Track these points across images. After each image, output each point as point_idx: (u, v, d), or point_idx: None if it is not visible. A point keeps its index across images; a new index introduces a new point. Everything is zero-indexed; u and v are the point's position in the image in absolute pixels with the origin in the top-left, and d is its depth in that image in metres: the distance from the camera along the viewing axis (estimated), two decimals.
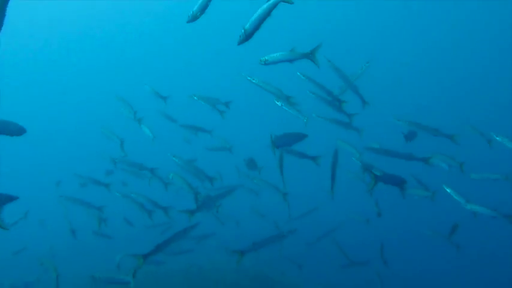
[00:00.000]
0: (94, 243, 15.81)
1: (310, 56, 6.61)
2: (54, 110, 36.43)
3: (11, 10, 3.83)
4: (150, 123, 10.79)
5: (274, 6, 5.55)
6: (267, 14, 5.54)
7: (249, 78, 7.72)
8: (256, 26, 5.70)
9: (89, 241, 15.89)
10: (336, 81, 8.49)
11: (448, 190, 8.76)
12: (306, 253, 13.28)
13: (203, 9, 6.09)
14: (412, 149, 8.07)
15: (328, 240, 11.98)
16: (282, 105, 8.32)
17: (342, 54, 14.12)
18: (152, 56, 38.58)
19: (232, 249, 7.72)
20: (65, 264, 12.18)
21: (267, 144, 7.87)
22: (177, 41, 37.37)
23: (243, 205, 13.23)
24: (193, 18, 6.13)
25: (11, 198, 4.79)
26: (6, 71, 36.57)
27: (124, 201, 9.92)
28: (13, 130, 5.33)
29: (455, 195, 8.57)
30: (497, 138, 7.97)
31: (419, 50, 33.14)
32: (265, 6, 5.52)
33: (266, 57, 6.96)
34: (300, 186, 15.57)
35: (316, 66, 6.51)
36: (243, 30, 5.74)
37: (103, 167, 13.22)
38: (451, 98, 31.16)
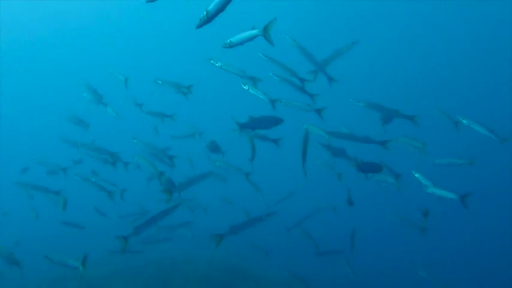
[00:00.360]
0: (67, 234, 15.50)
1: (263, 32, 6.41)
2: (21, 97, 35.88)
3: None
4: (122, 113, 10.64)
5: None
6: None
7: (212, 61, 7.63)
8: (219, 9, 5.53)
9: (62, 232, 15.58)
10: (303, 63, 8.35)
11: (417, 175, 8.70)
12: (278, 240, 13.15)
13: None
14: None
15: (298, 228, 11.83)
16: (248, 88, 8.28)
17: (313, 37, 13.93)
18: (117, 41, 37.89)
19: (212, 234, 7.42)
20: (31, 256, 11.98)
21: (232, 127, 7.74)
22: (142, 26, 36.86)
23: (215, 194, 13.05)
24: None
25: None
26: None
27: (89, 187, 9.72)
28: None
29: (424, 180, 8.51)
30: (464, 122, 7.90)
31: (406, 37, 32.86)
32: None
33: (230, 39, 6.86)
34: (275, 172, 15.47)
35: (270, 43, 6.28)
36: (205, 13, 5.57)
37: (73, 154, 12.93)
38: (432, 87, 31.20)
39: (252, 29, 6.69)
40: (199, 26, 5.67)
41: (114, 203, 11.36)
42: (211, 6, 5.54)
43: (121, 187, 9.90)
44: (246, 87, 8.15)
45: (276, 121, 7.27)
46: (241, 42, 6.85)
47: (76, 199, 15.24)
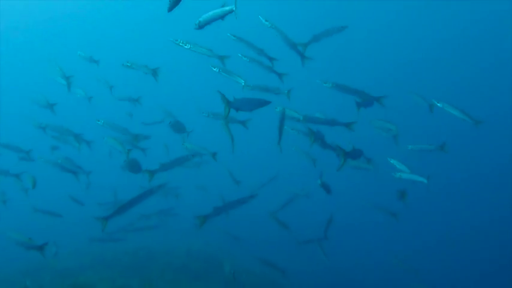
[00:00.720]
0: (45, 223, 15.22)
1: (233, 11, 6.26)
2: None
3: None
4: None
5: None
6: None
7: (179, 43, 7.57)
8: None
9: (40, 222, 15.31)
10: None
11: (392, 161, 8.61)
12: (254, 228, 13.00)
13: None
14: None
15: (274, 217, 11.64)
16: (219, 71, 8.15)
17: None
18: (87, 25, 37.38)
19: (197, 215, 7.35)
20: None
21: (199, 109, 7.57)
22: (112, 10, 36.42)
23: (189, 180, 12.84)
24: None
25: None
26: None
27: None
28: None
29: (398, 165, 8.43)
30: (439, 105, 7.78)
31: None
32: None
33: (199, 19, 6.71)
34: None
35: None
36: None
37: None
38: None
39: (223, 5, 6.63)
40: (170, 8, 5.60)
41: (87, 188, 11.24)
42: None
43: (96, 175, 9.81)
44: (216, 70, 8.09)
45: (262, 103, 7.08)
46: (212, 20, 6.73)
47: (54, 188, 15.03)
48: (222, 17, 6.75)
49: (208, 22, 6.81)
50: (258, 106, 7.14)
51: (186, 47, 7.55)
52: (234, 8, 6.34)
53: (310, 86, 8.89)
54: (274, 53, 8.19)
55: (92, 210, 14.76)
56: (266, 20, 7.91)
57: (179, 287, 11.13)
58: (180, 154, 9.24)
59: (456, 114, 7.63)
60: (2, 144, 10.45)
